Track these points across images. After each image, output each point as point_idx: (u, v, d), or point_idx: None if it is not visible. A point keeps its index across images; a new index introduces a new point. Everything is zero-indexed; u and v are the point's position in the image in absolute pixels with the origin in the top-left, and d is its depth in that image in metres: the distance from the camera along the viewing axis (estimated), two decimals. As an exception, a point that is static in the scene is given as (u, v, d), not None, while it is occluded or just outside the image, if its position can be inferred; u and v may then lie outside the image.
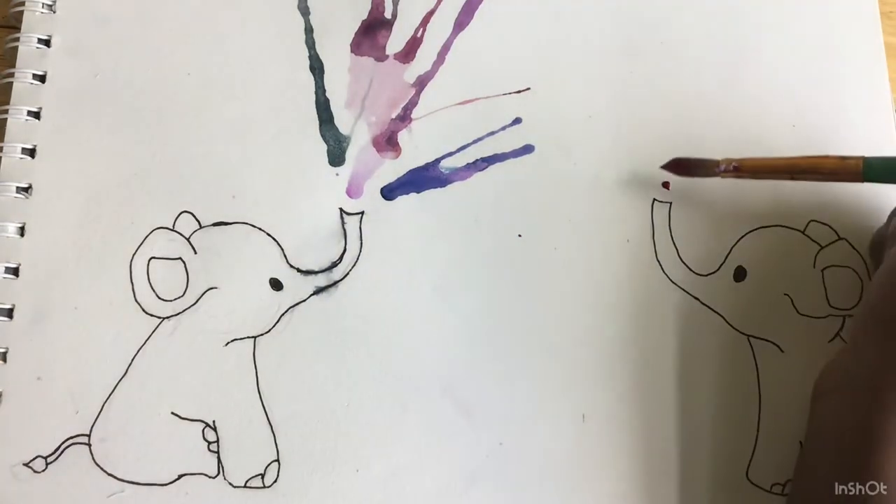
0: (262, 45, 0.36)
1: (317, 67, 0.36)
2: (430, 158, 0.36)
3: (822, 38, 0.39)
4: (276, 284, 0.33)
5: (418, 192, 0.35)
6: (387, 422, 0.32)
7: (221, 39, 0.36)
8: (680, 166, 0.35)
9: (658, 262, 0.36)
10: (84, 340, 0.32)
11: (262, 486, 0.31)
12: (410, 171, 0.35)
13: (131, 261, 0.33)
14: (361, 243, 0.34)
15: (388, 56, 0.37)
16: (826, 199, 0.36)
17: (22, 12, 0.34)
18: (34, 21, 0.35)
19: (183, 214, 0.33)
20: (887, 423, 0.26)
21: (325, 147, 0.35)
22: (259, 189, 0.34)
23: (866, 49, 0.40)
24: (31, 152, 0.33)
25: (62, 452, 0.31)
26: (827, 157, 0.30)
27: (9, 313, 0.31)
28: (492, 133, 0.36)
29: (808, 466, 0.30)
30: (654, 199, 0.36)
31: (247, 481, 0.31)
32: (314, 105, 0.35)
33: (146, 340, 0.32)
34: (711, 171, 0.34)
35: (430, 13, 0.37)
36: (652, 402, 0.34)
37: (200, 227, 0.33)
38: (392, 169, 0.35)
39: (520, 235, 0.35)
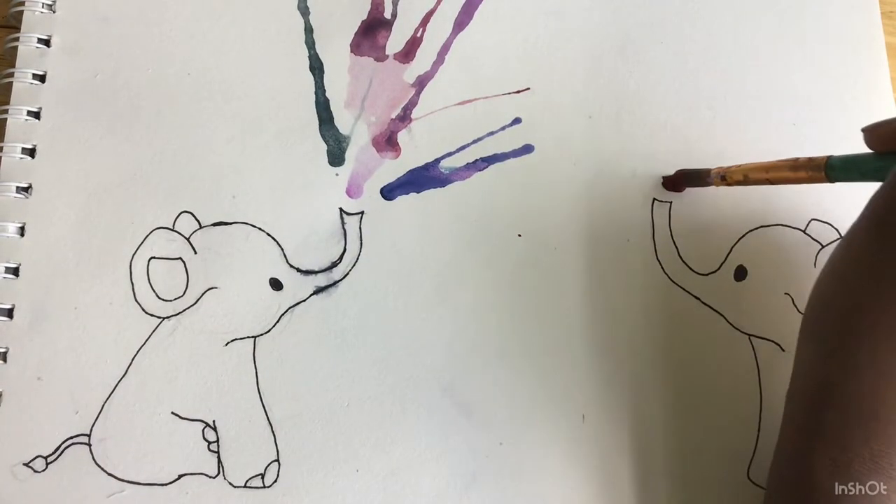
0: (262, 45, 0.36)
1: (317, 67, 0.36)
2: (430, 158, 0.36)
3: (823, 38, 0.39)
4: (276, 284, 0.33)
5: (418, 192, 0.35)
6: (387, 422, 0.32)
7: (221, 39, 0.36)
8: (678, 180, 0.36)
9: (658, 261, 0.36)
10: (84, 340, 0.32)
11: (262, 485, 0.31)
12: (410, 171, 0.35)
13: (131, 261, 0.33)
14: (361, 243, 0.34)
15: (387, 56, 0.37)
16: (827, 198, 0.36)
17: (22, 12, 0.34)
18: (34, 21, 0.35)
19: (183, 214, 0.33)
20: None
21: (325, 147, 0.35)
22: (259, 189, 0.34)
23: (867, 48, 0.40)
24: (31, 152, 0.33)
25: (62, 452, 0.31)
26: (797, 159, 0.29)
27: (9, 313, 0.32)
28: (492, 133, 0.36)
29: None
30: (654, 199, 0.36)
31: (247, 481, 0.31)
32: (314, 105, 0.35)
33: (146, 340, 0.32)
34: (705, 182, 0.34)
35: (430, 13, 0.37)
36: (652, 402, 0.34)
37: (200, 227, 0.33)
38: (392, 169, 0.35)
39: (520, 235, 0.35)
